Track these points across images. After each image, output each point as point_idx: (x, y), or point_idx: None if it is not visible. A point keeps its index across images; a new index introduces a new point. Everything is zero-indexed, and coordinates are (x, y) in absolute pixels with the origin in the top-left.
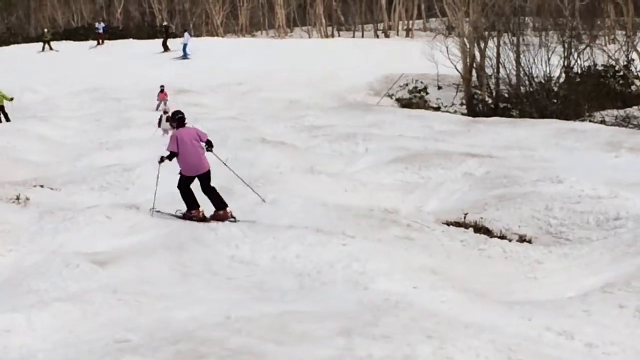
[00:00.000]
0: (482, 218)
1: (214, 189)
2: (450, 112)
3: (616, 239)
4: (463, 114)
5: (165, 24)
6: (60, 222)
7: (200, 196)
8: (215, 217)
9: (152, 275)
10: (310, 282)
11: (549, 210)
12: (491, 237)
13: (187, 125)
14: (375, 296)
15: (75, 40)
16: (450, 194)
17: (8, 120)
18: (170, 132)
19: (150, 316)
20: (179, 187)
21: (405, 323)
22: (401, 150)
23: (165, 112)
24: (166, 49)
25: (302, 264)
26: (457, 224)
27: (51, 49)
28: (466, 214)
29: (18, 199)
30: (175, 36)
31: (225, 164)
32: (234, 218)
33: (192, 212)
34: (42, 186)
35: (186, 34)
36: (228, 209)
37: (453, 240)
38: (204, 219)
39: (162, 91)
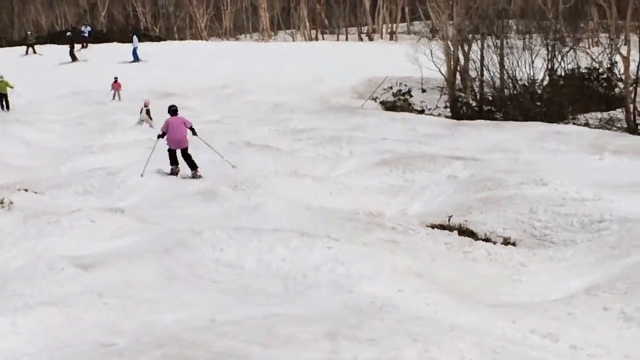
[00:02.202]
0: (466, 221)
1: (189, 156)
2: (434, 115)
3: (600, 241)
4: (447, 117)
5: (68, 33)
6: (44, 226)
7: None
8: (192, 176)
9: (137, 278)
10: (295, 285)
11: (533, 213)
12: (475, 240)
13: (178, 115)
14: (360, 299)
15: (59, 43)
16: (434, 196)
17: (8, 108)
18: (145, 124)
19: (135, 320)
20: (169, 151)
21: (390, 326)
22: (385, 153)
23: (145, 105)
24: (73, 58)
25: (287, 267)
26: (442, 227)
27: (35, 52)
28: (450, 217)
29: (2, 202)
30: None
31: (203, 140)
32: (200, 176)
33: (172, 168)
34: (26, 190)
35: (134, 38)
36: (198, 171)
37: (437, 243)
38: (177, 173)
39: (115, 81)
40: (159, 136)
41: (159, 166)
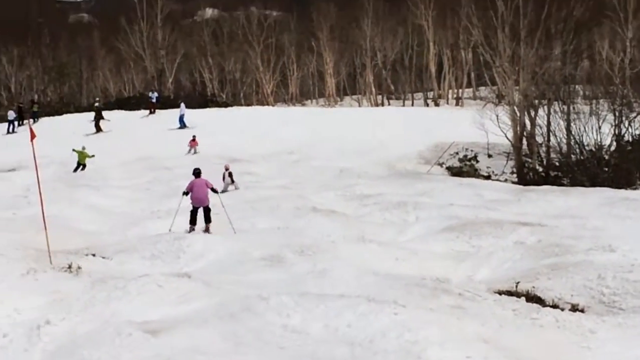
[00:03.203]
0: (533, 287)
1: (209, 211)
2: (500, 181)
3: None
4: (513, 182)
5: (96, 104)
6: (111, 291)
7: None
8: (204, 230)
9: (204, 344)
10: (362, 351)
11: (602, 279)
12: (543, 306)
13: (201, 177)
14: None
15: (126, 109)
16: (501, 262)
17: (83, 169)
18: (230, 187)
19: None
20: (191, 211)
21: None
22: (452, 219)
23: (227, 169)
24: (98, 129)
25: (354, 332)
26: (509, 293)
27: (102, 118)
28: (518, 283)
29: (70, 267)
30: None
31: (223, 205)
32: (209, 231)
33: (190, 226)
34: (93, 255)
35: (182, 105)
36: (210, 226)
37: (505, 309)
38: (192, 230)
39: (193, 139)
40: (184, 193)
41: (225, 231)
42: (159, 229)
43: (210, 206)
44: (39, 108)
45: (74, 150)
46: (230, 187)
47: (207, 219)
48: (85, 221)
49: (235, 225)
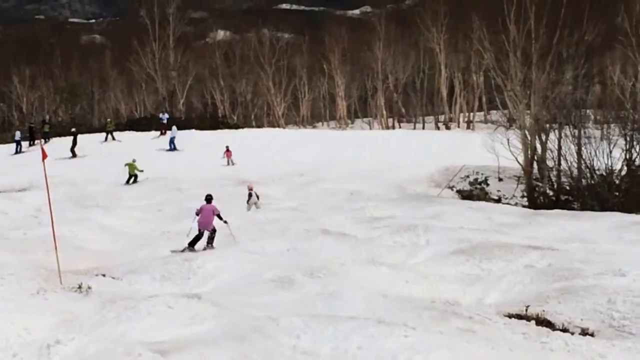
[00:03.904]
0: (543, 310)
1: (212, 238)
2: (510, 204)
3: None
4: (524, 206)
5: (73, 129)
6: (121, 311)
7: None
8: (205, 248)
9: None
10: None
11: (612, 303)
12: (553, 330)
13: (211, 203)
14: None
15: (137, 130)
16: (511, 286)
17: (135, 181)
18: (253, 207)
19: None
20: (197, 234)
21: None
22: (462, 242)
23: (250, 189)
24: (74, 154)
25: (364, 354)
26: (519, 316)
27: (113, 138)
28: (527, 307)
29: (80, 287)
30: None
31: (226, 222)
32: (212, 247)
33: (188, 246)
34: (103, 275)
35: (174, 128)
36: (211, 246)
37: (514, 332)
38: (189, 250)
39: (227, 150)
40: (196, 213)
41: (237, 251)
42: (170, 249)
43: (216, 228)
44: (50, 128)
45: (126, 164)
46: (253, 208)
47: (209, 241)
48: (96, 241)
49: (245, 247)
